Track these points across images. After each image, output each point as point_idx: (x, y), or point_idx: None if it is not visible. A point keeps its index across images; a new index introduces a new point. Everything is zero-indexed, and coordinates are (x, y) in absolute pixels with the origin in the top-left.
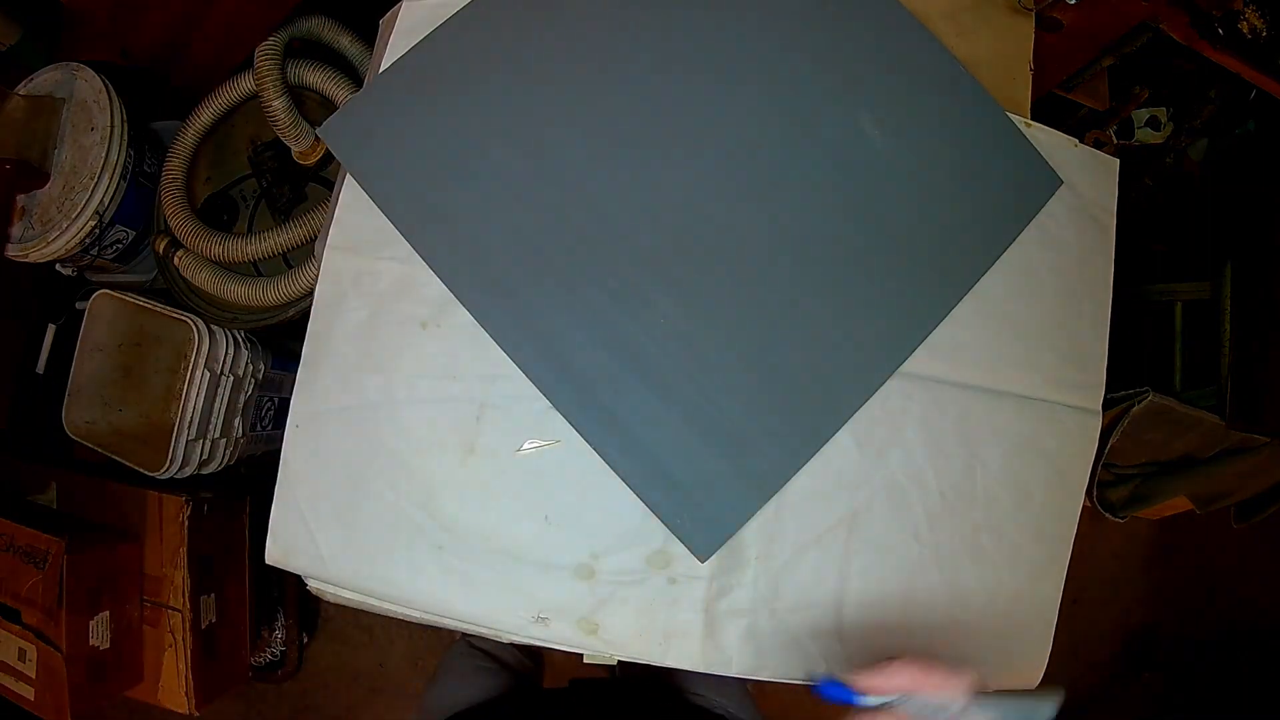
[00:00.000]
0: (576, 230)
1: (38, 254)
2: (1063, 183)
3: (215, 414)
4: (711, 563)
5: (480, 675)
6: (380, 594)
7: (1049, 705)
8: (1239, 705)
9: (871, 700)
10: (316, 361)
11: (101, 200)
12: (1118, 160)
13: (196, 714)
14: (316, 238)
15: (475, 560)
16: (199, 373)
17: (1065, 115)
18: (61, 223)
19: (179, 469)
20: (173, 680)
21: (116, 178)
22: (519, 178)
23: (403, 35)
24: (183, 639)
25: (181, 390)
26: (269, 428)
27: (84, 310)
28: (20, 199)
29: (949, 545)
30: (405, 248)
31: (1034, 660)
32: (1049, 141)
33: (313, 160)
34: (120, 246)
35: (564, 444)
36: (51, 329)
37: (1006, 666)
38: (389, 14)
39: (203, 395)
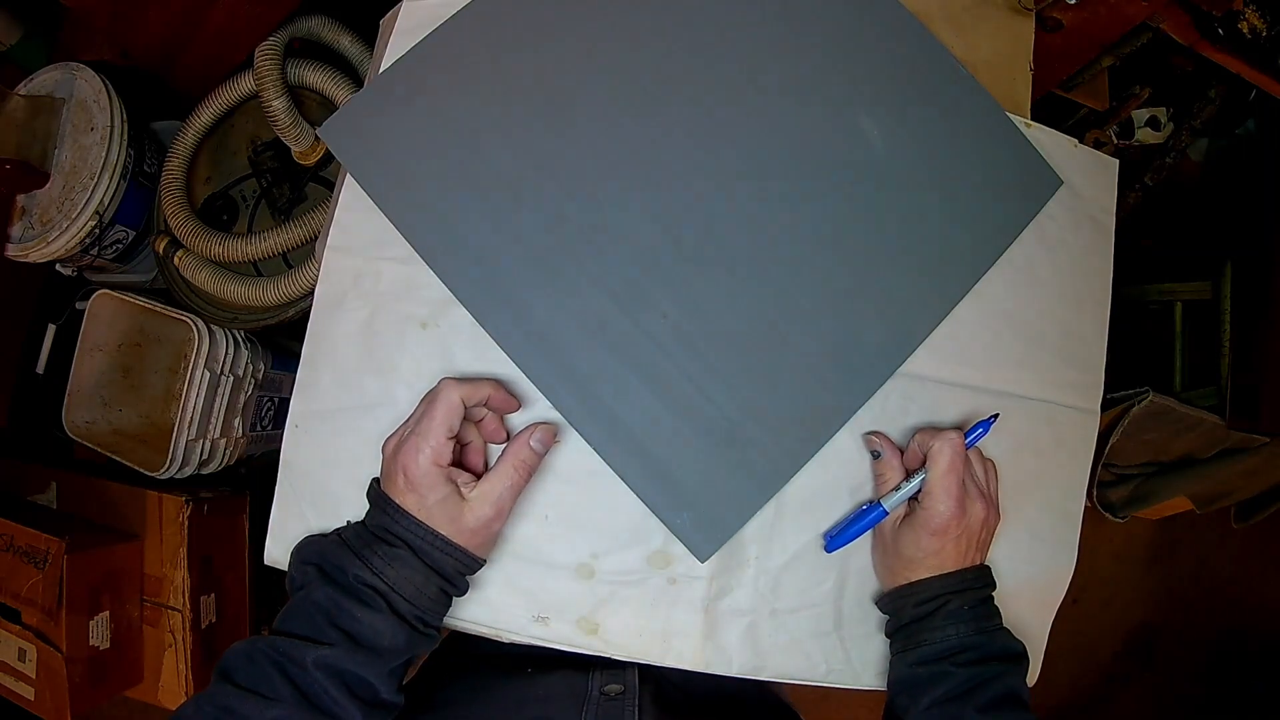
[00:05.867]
0: (576, 230)
1: (38, 254)
2: (1063, 183)
3: (215, 414)
4: (711, 563)
5: None
6: None
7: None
8: (1239, 706)
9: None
10: (316, 361)
11: (101, 200)
12: (1118, 160)
13: None
14: (316, 238)
15: None
16: (199, 373)
17: (1065, 115)
18: (61, 223)
19: (179, 469)
20: (173, 680)
21: (116, 178)
22: (519, 177)
23: (403, 35)
24: (183, 639)
25: (181, 390)
26: (269, 428)
27: (84, 310)
28: (20, 199)
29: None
30: (405, 248)
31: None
32: (1049, 141)
33: (313, 160)
34: (120, 246)
35: (563, 444)
36: (51, 329)
37: None
38: (389, 14)
39: (203, 395)
